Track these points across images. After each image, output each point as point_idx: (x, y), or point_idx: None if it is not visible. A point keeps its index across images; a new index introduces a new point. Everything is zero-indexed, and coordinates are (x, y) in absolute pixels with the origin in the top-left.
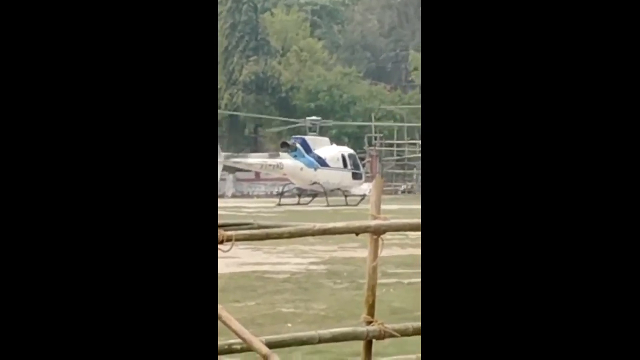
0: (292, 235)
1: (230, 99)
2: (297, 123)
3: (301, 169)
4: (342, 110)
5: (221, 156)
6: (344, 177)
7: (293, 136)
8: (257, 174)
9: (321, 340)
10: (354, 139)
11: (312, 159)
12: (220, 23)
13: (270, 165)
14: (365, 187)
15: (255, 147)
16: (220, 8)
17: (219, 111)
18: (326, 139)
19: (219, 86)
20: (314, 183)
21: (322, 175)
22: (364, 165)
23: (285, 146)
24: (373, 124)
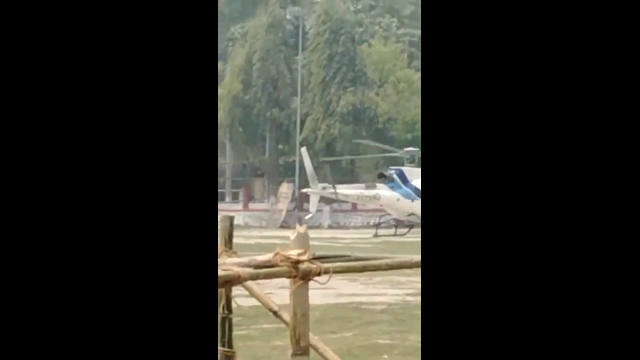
0: (390, 267)
1: (327, 130)
2: (394, 152)
3: (398, 200)
4: None
5: (318, 187)
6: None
7: (390, 167)
8: (354, 204)
9: None
10: None
11: (409, 190)
12: (317, 54)
13: (367, 196)
14: None
15: (352, 177)
16: (318, 39)
17: (317, 142)
18: (411, 171)
19: (316, 117)
20: (411, 214)
21: (418, 207)
22: None
23: (382, 177)
24: None
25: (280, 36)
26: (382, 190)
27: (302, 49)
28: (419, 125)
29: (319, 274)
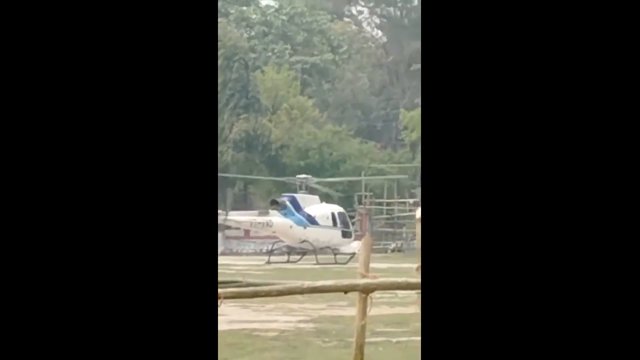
0: (280, 293)
1: (220, 156)
2: (287, 179)
3: (291, 227)
4: (332, 168)
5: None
6: (333, 236)
7: (283, 194)
8: (247, 231)
9: None
10: (344, 198)
11: (301, 217)
12: None
13: (259, 223)
14: (354, 246)
15: (245, 204)
16: None
17: None
18: (316, 197)
19: None
20: (304, 241)
21: (311, 234)
22: (353, 224)
23: (274, 204)
24: (363, 178)
25: None
26: (275, 217)
27: None
28: (311, 152)
29: None
